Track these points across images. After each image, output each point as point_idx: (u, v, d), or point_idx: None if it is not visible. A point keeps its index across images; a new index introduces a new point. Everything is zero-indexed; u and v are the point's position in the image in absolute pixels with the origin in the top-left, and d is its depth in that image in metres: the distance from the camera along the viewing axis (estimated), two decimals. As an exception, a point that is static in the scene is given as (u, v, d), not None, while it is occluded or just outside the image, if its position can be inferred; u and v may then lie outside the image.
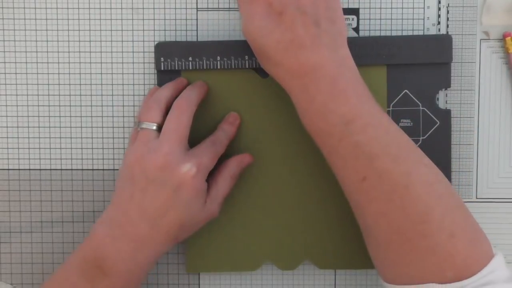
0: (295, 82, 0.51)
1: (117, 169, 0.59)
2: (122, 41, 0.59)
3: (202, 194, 0.53)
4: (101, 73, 0.59)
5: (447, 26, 0.59)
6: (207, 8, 0.59)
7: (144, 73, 0.59)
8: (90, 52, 0.59)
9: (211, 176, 0.55)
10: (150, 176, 0.51)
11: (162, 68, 0.57)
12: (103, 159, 0.59)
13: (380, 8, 0.59)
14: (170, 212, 0.52)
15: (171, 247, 0.54)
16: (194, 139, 0.55)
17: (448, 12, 0.59)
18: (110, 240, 0.52)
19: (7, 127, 0.59)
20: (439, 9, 0.59)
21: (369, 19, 0.59)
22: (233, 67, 0.57)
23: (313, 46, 0.50)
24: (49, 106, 0.59)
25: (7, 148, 0.59)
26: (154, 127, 0.53)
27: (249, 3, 0.52)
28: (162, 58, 0.57)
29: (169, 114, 0.53)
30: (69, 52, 0.59)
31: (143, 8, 0.59)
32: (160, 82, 0.57)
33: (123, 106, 0.59)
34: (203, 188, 0.53)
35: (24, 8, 0.59)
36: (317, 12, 0.51)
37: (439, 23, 0.59)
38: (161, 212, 0.52)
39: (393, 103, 0.58)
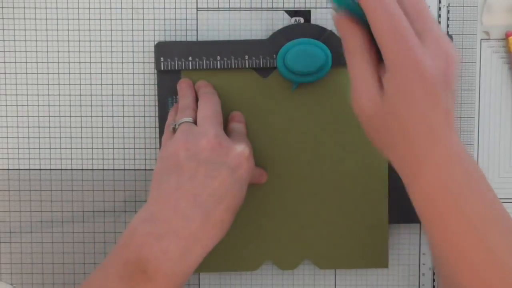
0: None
1: (117, 169, 0.59)
2: (122, 41, 0.59)
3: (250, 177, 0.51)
4: (101, 73, 0.59)
5: (448, 25, 0.59)
6: (207, 8, 0.59)
7: (144, 73, 0.59)
8: (90, 52, 0.59)
9: None
10: (201, 158, 0.48)
11: (162, 68, 0.57)
12: (103, 159, 0.59)
13: (381, 8, 0.59)
14: (226, 197, 0.48)
15: (219, 240, 0.50)
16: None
17: (448, 11, 0.59)
18: (155, 239, 0.46)
19: (7, 127, 0.59)
20: (440, 8, 0.59)
21: (369, 19, 0.59)
22: (233, 67, 0.57)
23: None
24: (49, 106, 0.59)
25: (7, 148, 0.59)
26: (191, 120, 0.51)
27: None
28: (162, 58, 0.57)
29: (200, 106, 0.53)
30: (69, 52, 0.59)
31: (143, 8, 0.59)
32: (160, 82, 0.57)
33: (123, 106, 0.59)
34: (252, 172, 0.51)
35: (24, 8, 0.59)
36: None
37: (439, 22, 0.59)
38: (215, 198, 0.48)
39: (393, 103, 0.58)
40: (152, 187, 0.50)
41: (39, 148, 0.59)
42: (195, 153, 0.48)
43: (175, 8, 0.59)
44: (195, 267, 0.49)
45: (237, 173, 0.49)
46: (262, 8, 0.59)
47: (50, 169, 0.59)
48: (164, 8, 0.59)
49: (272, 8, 0.59)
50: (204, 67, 0.57)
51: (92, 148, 0.59)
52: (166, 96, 0.57)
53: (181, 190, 0.48)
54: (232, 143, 0.50)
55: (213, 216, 0.48)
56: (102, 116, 0.59)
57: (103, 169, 0.59)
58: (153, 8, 0.59)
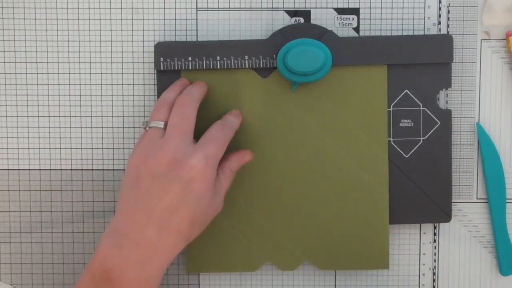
0: None
1: (117, 169, 0.59)
2: (122, 41, 0.59)
3: (213, 186, 0.52)
4: (101, 73, 0.59)
5: (448, 26, 0.59)
6: (207, 8, 0.59)
7: (143, 73, 0.59)
8: (90, 52, 0.59)
9: None
10: (157, 174, 0.50)
11: (162, 68, 0.57)
12: (103, 159, 0.59)
13: (381, 8, 0.59)
14: (180, 210, 0.50)
15: (181, 249, 0.52)
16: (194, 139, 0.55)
17: (448, 12, 0.59)
18: (116, 250, 0.50)
19: (7, 127, 0.59)
20: (440, 8, 0.59)
21: (370, 19, 0.59)
22: (233, 67, 0.57)
23: None
24: (49, 106, 0.59)
25: (7, 148, 0.59)
26: (162, 125, 0.52)
27: None
28: (161, 58, 0.57)
29: (173, 111, 0.53)
30: (69, 52, 0.59)
31: (143, 8, 0.59)
32: (160, 82, 0.57)
33: (123, 106, 0.59)
34: (213, 180, 0.52)
35: (24, 8, 0.59)
36: None
37: (439, 23, 0.59)
38: (169, 211, 0.50)
39: (393, 103, 0.58)
40: (118, 201, 0.52)
41: (39, 148, 0.59)
42: (152, 168, 0.51)
43: (175, 8, 0.59)
44: (158, 275, 0.51)
45: (191, 186, 0.50)
46: (262, 8, 0.59)
47: (50, 169, 0.59)
48: (164, 8, 0.59)
49: (272, 8, 0.59)
50: (204, 67, 0.57)
51: (92, 148, 0.59)
52: (166, 96, 0.57)
53: (139, 203, 0.50)
54: (187, 156, 0.51)
55: (168, 227, 0.50)
56: (102, 116, 0.59)
57: (102, 169, 0.59)
58: (153, 8, 0.59)
